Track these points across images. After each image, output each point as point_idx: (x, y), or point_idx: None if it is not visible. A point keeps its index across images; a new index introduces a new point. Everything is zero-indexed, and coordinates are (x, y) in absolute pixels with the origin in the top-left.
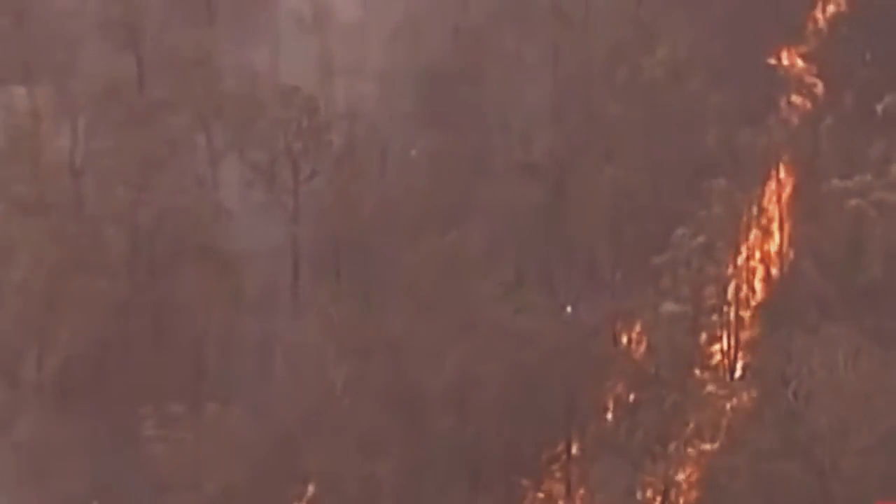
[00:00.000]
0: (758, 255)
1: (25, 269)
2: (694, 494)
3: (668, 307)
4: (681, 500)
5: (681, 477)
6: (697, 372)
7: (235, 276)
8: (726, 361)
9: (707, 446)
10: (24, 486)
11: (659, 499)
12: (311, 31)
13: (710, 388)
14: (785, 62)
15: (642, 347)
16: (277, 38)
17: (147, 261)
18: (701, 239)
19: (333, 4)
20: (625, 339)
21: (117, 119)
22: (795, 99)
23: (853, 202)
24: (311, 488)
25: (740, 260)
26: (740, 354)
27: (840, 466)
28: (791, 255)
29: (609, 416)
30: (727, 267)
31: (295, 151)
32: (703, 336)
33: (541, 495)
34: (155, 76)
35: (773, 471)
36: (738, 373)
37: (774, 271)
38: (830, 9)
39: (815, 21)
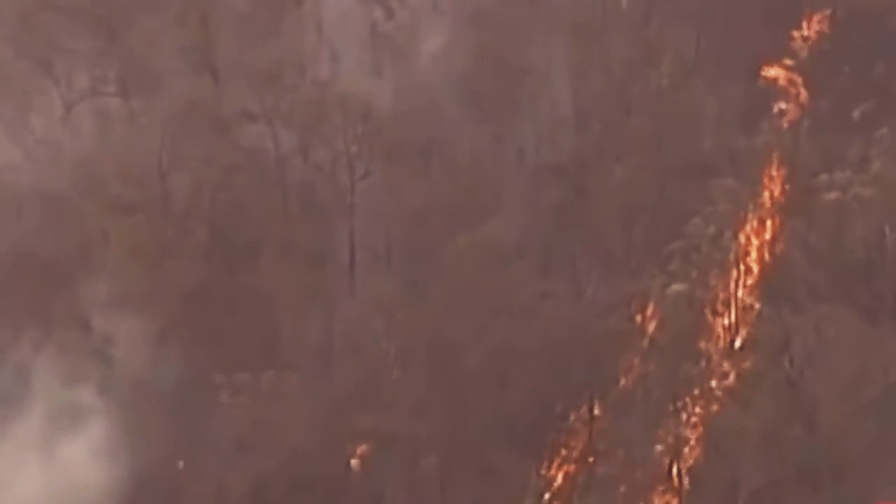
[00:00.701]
0: (755, 242)
1: (117, 258)
2: (700, 450)
3: (677, 288)
4: (687, 455)
5: (688, 435)
6: (703, 344)
7: (301, 263)
8: (728, 335)
9: (712, 408)
10: (119, 446)
11: (669, 454)
12: (367, 47)
13: (714, 358)
14: (775, 75)
15: (654, 324)
16: (336, 52)
17: (224, 252)
18: (710, 229)
19: (386, 26)
20: (639, 317)
21: (198, 128)
22: (784, 106)
23: (834, 196)
24: (365, 446)
25: (740, 247)
26: (740, 329)
27: (832, 427)
28: (782, 242)
29: (626, 382)
30: (729, 253)
31: (351, 153)
32: (708, 313)
33: (567, 451)
34: (230, 89)
35: (770, 429)
36: (738, 344)
37: (769, 257)
38: (814, 28)
39: (801, 39)
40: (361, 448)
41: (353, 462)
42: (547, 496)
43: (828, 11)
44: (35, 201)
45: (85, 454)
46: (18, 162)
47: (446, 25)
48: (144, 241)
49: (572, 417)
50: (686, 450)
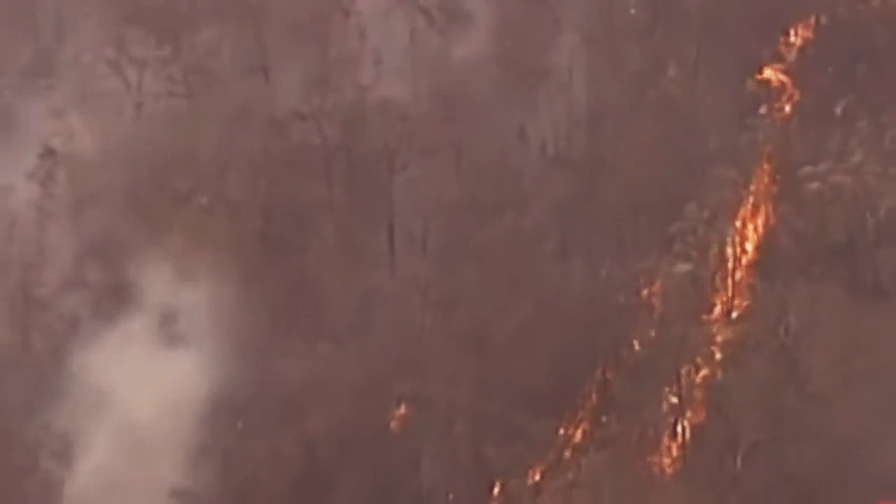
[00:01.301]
0: (749, 226)
1: (180, 243)
2: (702, 410)
3: (680, 267)
4: (691, 414)
5: (691, 397)
6: (704, 316)
7: (346, 248)
8: (726, 308)
9: (712, 373)
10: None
11: (674, 413)
12: (407, 53)
13: (715, 328)
14: (768, 77)
15: (660, 299)
16: (379, 57)
17: (278, 238)
18: (706, 213)
19: (425, 33)
20: (646, 293)
21: (254, 126)
22: (775, 105)
23: (816, 185)
24: (403, 410)
25: (736, 230)
26: (736, 303)
27: (822, 391)
28: (773, 226)
29: (636, 350)
30: (726, 236)
31: (390, 150)
32: (708, 289)
33: (584, 412)
34: (282, 91)
35: (765, 392)
36: (735, 316)
37: (761, 239)
38: (801, 35)
39: (790, 45)
40: (400, 411)
41: (393, 424)
42: (567, 452)
43: (812, 20)
44: (112, 193)
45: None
46: (99, 159)
47: (477, 33)
48: (205, 229)
49: (588, 382)
50: (689, 410)
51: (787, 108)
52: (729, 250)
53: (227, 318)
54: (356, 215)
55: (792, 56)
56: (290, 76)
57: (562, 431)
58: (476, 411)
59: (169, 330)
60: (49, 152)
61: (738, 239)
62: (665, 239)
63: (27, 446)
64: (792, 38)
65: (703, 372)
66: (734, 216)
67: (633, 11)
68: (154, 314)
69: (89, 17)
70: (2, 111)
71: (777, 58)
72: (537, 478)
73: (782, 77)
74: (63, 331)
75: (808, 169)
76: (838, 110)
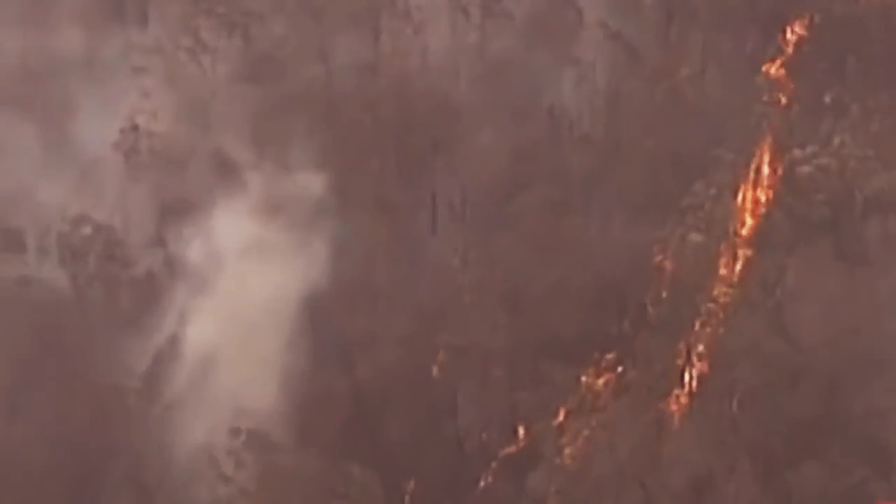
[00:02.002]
0: (749, 202)
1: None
2: (707, 360)
3: (692, 237)
4: (697, 364)
5: (698, 349)
6: (709, 280)
7: (394, 214)
8: (729, 272)
9: (716, 328)
10: None
11: (683, 363)
12: (449, 46)
13: (717, 290)
14: (768, 69)
15: (672, 263)
16: (426, 49)
17: (337, 205)
18: (713, 191)
19: (465, 27)
20: (659, 258)
21: (314, 108)
22: (774, 95)
23: (806, 167)
24: (442, 357)
25: (737, 205)
26: (737, 268)
27: (810, 343)
28: (769, 202)
29: (651, 308)
30: (729, 210)
31: (434, 128)
32: (713, 256)
33: (605, 362)
34: (338, 77)
35: (762, 344)
36: (735, 280)
37: (760, 213)
38: (797, 32)
39: (787, 42)
40: (441, 358)
41: (434, 370)
42: (588, 397)
43: (807, 19)
44: (192, 159)
45: None
46: (181, 134)
47: (512, 28)
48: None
49: (608, 336)
50: (696, 360)
51: (784, 99)
52: (731, 223)
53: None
54: (404, 188)
55: (789, 51)
56: (346, 64)
57: (584, 379)
58: (508, 360)
59: None
60: (134, 127)
61: (739, 213)
62: (678, 212)
63: (117, 390)
64: (789, 36)
65: (708, 328)
66: (736, 193)
67: (648, 10)
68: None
69: (170, 9)
70: (96, 92)
71: (776, 53)
72: (561, 419)
73: (780, 70)
74: (145, 287)
75: (800, 152)
76: (828, 100)
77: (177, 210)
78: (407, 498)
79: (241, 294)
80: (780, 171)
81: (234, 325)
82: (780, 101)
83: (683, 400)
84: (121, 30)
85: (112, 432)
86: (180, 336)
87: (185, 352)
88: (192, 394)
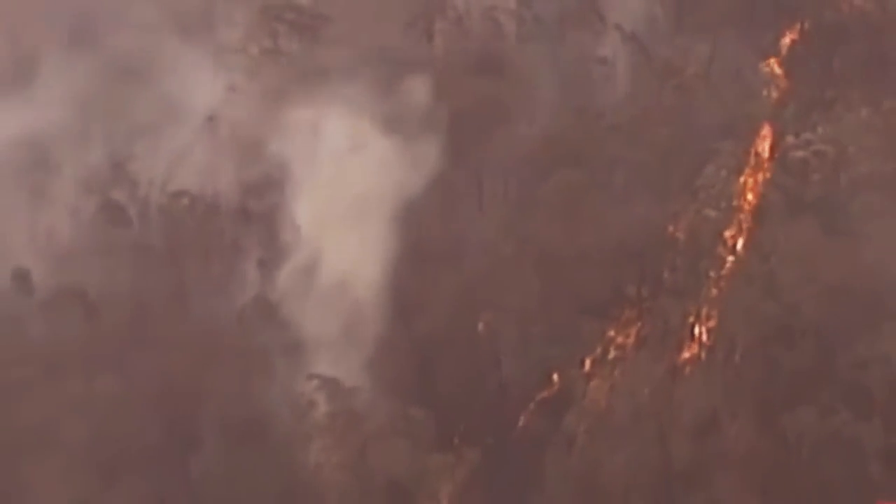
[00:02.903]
0: (751, 182)
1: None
2: (714, 318)
3: (704, 212)
4: (706, 321)
5: (706, 308)
6: (716, 249)
7: (447, 193)
8: (733, 242)
9: (722, 290)
10: None
11: (694, 320)
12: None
13: (724, 258)
14: (765, 68)
15: (685, 235)
16: (474, 53)
17: None
18: (722, 172)
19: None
20: (672, 230)
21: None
22: (772, 90)
23: (800, 153)
24: (489, 315)
25: (740, 186)
26: (740, 240)
27: (800, 302)
28: (768, 183)
29: (666, 273)
30: (734, 190)
31: (482, 117)
32: (720, 228)
33: (625, 319)
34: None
35: (756, 304)
36: (739, 248)
37: (760, 193)
38: (790, 36)
39: (782, 45)
40: (486, 317)
41: (480, 326)
42: (612, 350)
43: (799, 25)
44: (261, 147)
45: None
46: (252, 122)
47: (545, 32)
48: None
49: (629, 297)
50: (704, 318)
51: (779, 93)
52: (735, 200)
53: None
54: (456, 170)
55: (784, 52)
56: (403, 62)
57: (608, 334)
58: (543, 318)
59: None
60: (215, 117)
61: (742, 191)
62: (691, 190)
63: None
64: (783, 40)
65: (714, 290)
66: (740, 174)
67: (660, 15)
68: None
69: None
70: (185, 85)
71: (773, 53)
72: (588, 368)
73: (776, 69)
74: (234, 254)
75: (795, 140)
76: (818, 94)
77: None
78: (457, 436)
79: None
80: (777, 157)
81: (322, 276)
82: (775, 95)
83: (693, 352)
84: (209, 34)
85: (206, 379)
86: (268, 294)
87: (273, 300)
88: (276, 342)
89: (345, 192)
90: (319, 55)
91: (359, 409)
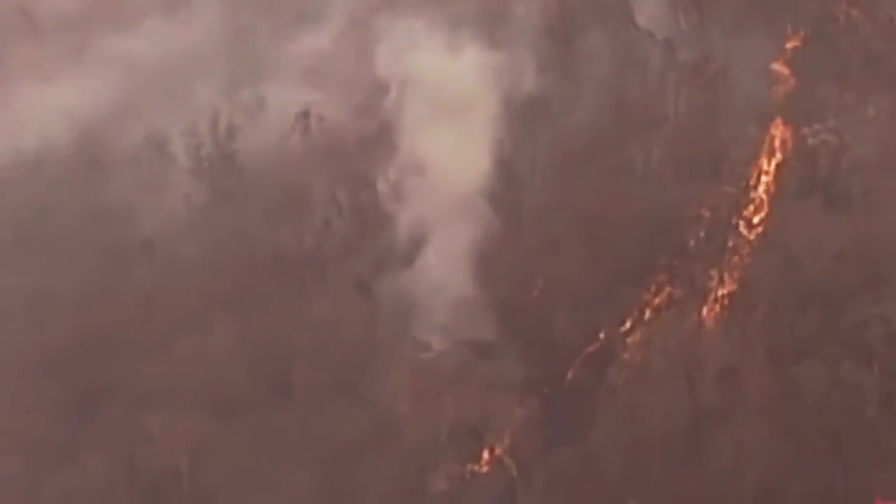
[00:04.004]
0: (766, 166)
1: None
2: (735, 283)
3: (725, 189)
4: (727, 284)
5: (727, 274)
6: (736, 222)
7: (511, 179)
8: (750, 218)
9: (743, 258)
10: None
11: (717, 284)
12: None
13: (743, 231)
14: (775, 68)
15: (709, 210)
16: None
17: None
18: (743, 156)
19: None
20: (697, 206)
21: None
22: (781, 87)
23: (811, 140)
24: (541, 282)
25: (757, 168)
26: (758, 214)
27: (811, 271)
28: (781, 167)
29: (692, 243)
30: (752, 171)
31: (537, 110)
32: (740, 205)
33: (658, 283)
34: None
35: (773, 272)
36: (756, 223)
37: (774, 176)
38: (795, 42)
39: (787, 49)
40: (540, 282)
41: (535, 293)
42: (647, 311)
43: (801, 33)
44: (350, 144)
45: None
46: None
47: (588, 38)
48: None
49: (661, 265)
50: (726, 282)
51: (787, 90)
52: (753, 181)
53: None
54: (514, 156)
55: (789, 55)
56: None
57: (644, 296)
58: (589, 283)
59: None
60: (306, 114)
61: (759, 173)
62: (716, 172)
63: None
64: (788, 45)
65: (735, 258)
66: (756, 159)
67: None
68: None
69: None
70: (283, 87)
71: (780, 56)
72: (628, 326)
73: (783, 69)
74: (321, 231)
75: (805, 129)
76: (822, 91)
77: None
78: (518, 385)
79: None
80: (789, 144)
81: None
82: (783, 92)
83: (716, 312)
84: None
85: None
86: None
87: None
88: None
89: (447, 95)
90: None
91: (438, 360)
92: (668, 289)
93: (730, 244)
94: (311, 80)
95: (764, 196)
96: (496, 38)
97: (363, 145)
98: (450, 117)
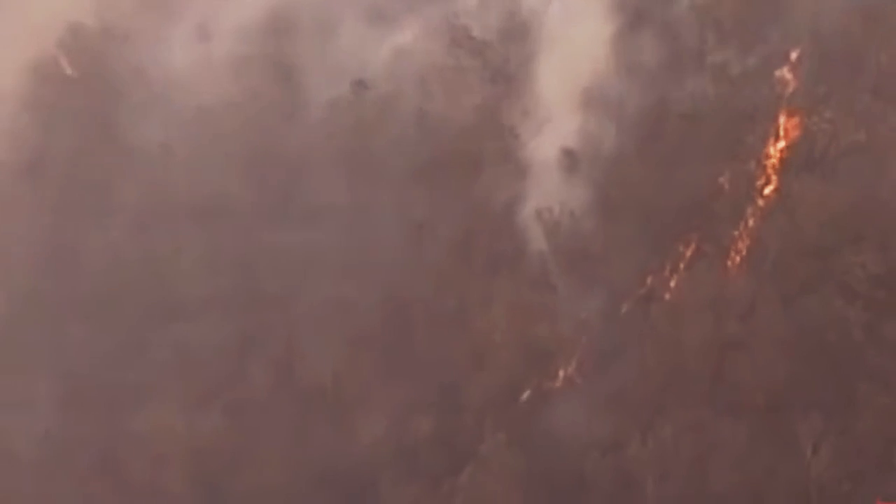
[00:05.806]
0: (773, 147)
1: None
2: (750, 240)
3: (741, 166)
4: (746, 241)
5: (744, 233)
6: (752, 193)
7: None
8: (762, 189)
9: (758, 222)
10: None
11: (740, 238)
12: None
13: (757, 200)
14: (781, 74)
15: (728, 183)
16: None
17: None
18: (756, 141)
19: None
20: (720, 179)
21: None
22: (785, 87)
23: (809, 128)
24: (601, 238)
25: (768, 149)
26: (768, 187)
27: (812, 228)
28: (784, 147)
29: (719, 207)
30: (764, 152)
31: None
32: (755, 179)
33: (687, 241)
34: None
35: (782, 230)
36: (767, 193)
37: (783, 155)
38: (796, 53)
39: (790, 58)
40: (598, 242)
41: (597, 246)
42: (682, 263)
43: (801, 46)
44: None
45: None
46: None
47: (646, 37)
48: None
49: (692, 226)
50: (745, 238)
51: (790, 89)
52: (764, 160)
53: None
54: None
55: (793, 62)
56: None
57: (681, 251)
58: (623, 243)
59: None
60: (360, 82)
61: (768, 153)
62: (733, 153)
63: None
64: (791, 55)
65: (750, 221)
66: (766, 142)
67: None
68: None
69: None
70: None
71: (783, 64)
72: (667, 273)
73: (787, 74)
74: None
75: (805, 120)
76: (820, 91)
77: None
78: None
79: None
80: (791, 130)
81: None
82: (788, 90)
83: (737, 263)
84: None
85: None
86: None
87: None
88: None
89: None
90: None
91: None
92: (698, 245)
93: (747, 210)
94: None
95: (773, 172)
96: None
97: None
98: None
